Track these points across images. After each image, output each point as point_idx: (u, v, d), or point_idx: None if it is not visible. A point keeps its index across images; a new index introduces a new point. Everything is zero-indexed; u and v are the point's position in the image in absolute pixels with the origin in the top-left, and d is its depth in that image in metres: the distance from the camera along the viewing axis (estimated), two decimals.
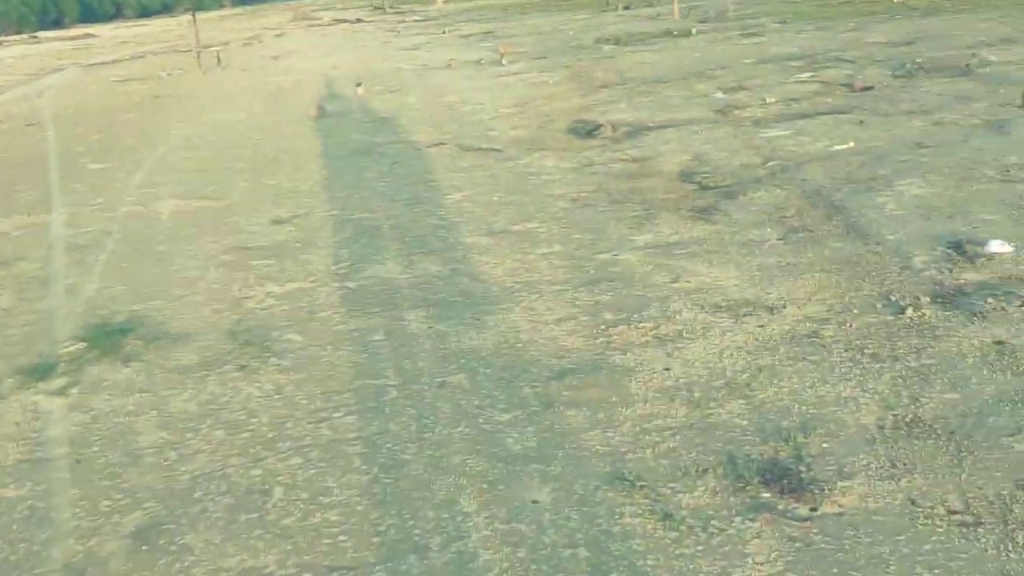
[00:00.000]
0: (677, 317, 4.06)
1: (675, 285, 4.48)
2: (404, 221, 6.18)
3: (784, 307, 4.07)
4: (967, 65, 10.18)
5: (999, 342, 3.49)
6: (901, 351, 3.50)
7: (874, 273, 4.37)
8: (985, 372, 3.26)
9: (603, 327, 4.00)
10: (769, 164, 6.91)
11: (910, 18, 15.86)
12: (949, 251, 4.56)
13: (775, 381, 3.34)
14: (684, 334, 3.87)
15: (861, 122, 7.96)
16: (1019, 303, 3.78)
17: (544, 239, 5.49)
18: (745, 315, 4.01)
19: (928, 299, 3.98)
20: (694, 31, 17.82)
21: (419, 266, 5.13)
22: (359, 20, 35.22)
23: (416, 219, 6.21)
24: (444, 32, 25.10)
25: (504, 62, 16.06)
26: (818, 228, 5.20)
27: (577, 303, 4.35)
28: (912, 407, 3.05)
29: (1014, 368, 3.26)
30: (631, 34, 18.41)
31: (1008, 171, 5.88)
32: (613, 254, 5.08)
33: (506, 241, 5.50)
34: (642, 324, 3.99)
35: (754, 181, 6.46)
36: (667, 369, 3.53)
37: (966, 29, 13.39)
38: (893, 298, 4.04)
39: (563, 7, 31.56)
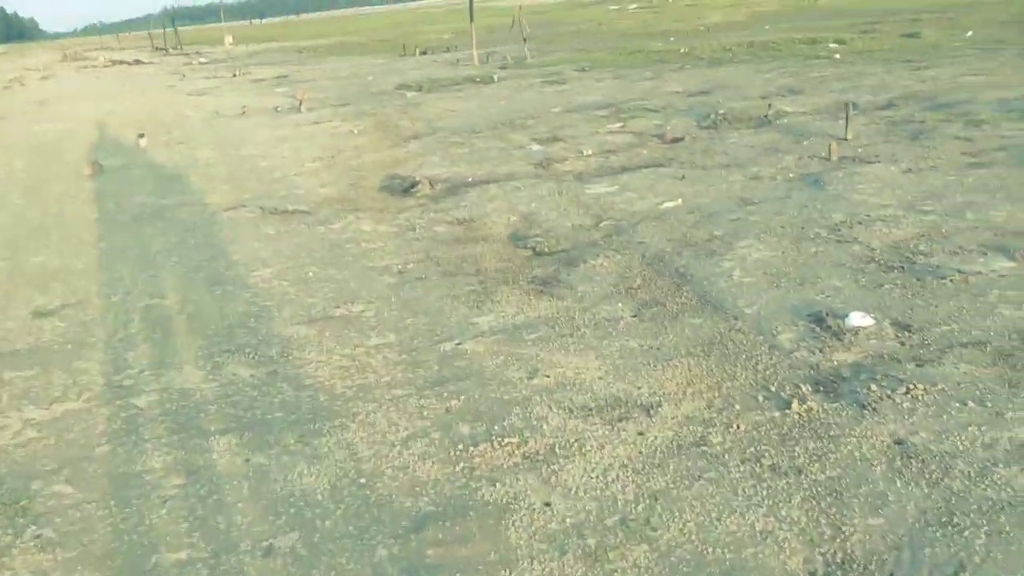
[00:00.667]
0: (545, 426, 3.50)
1: (534, 382, 3.92)
2: (204, 308, 5.28)
3: (660, 405, 3.61)
4: (766, 116, 10.48)
5: (899, 441, 3.17)
6: (802, 460, 3.11)
7: (744, 356, 4.02)
8: (899, 484, 2.91)
9: (462, 447, 3.36)
10: (602, 225, 6.58)
11: (699, 67, 16.50)
12: (812, 326, 4.30)
13: (677, 514, 2.83)
14: (557, 450, 3.30)
15: (683, 177, 7.85)
16: (902, 390, 3.51)
17: (374, 326, 4.80)
18: (620, 419, 3.51)
19: (809, 388, 3.65)
20: (496, 78, 17.73)
21: (226, 370, 4.28)
22: (138, 61, 32.83)
23: (218, 305, 5.32)
24: (235, 75, 23.75)
25: (303, 109, 15.20)
26: (670, 301, 4.83)
27: (425, 413, 3.69)
28: (838, 541, 2.62)
29: (926, 476, 2.94)
30: (433, 80, 18.06)
31: (838, 230, 5.83)
32: (456, 343, 4.46)
33: (330, 330, 4.75)
34: (507, 440, 3.39)
35: (591, 245, 6.08)
36: (548, 505, 2.94)
37: (753, 79, 14.02)
38: (772, 388, 3.68)
39: (359, 51, 30.91)
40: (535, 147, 10.08)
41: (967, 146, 7.95)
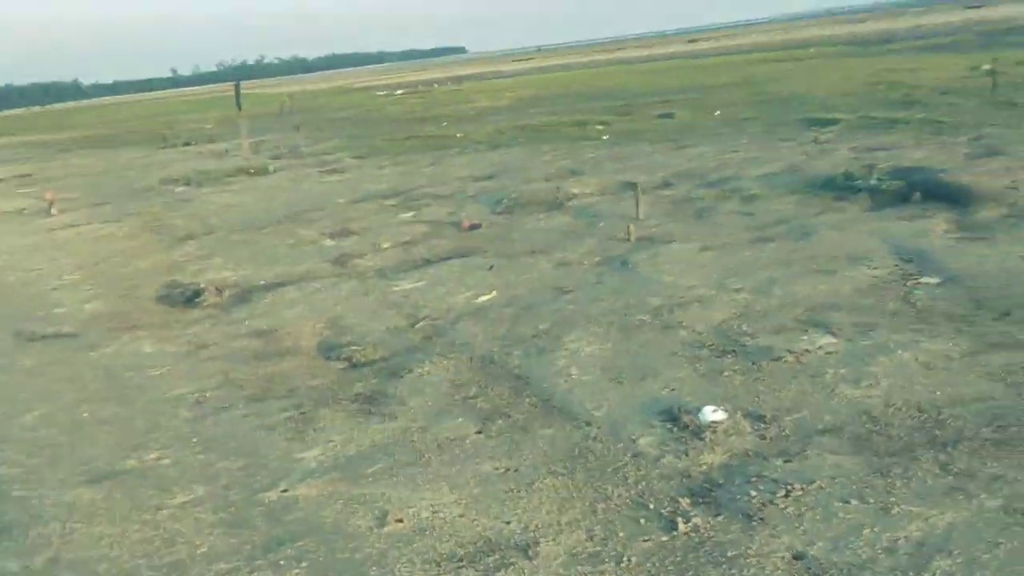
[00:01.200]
0: None
1: (386, 530, 3.39)
2: None
3: (537, 543, 3.20)
4: (556, 199, 10.59)
5: (798, 556, 2.96)
6: None
7: (610, 470, 3.72)
8: None
9: None
10: (419, 326, 6.16)
11: (478, 152, 16.69)
12: (668, 426, 4.09)
13: None
14: None
15: (491, 267, 7.62)
16: (782, 493, 3.34)
17: (176, 477, 4.05)
18: (498, 567, 3.06)
19: (687, 501, 3.39)
20: (271, 168, 17.00)
21: None
22: None
23: None
24: None
25: (54, 211, 13.69)
26: (514, 410, 4.48)
27: None
28: None
29: None
30: (202, 173, 17.01)
31: (660, 315, 5.77)
32: (282, 489, 3.83)
33: (120, 491, 3.95)
34: None
35: (411, 350, 5.63)
36: None
37: (533, 162, 14.30)
38: (651, 506, 3.39)
39: (112, 143, 28.89)
40: (328, 242, 9.54)
41: (749, 221, 8.34)
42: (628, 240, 8.09)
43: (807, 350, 4.81)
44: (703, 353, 4.97)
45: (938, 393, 4.07)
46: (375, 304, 6.84)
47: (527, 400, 4.58)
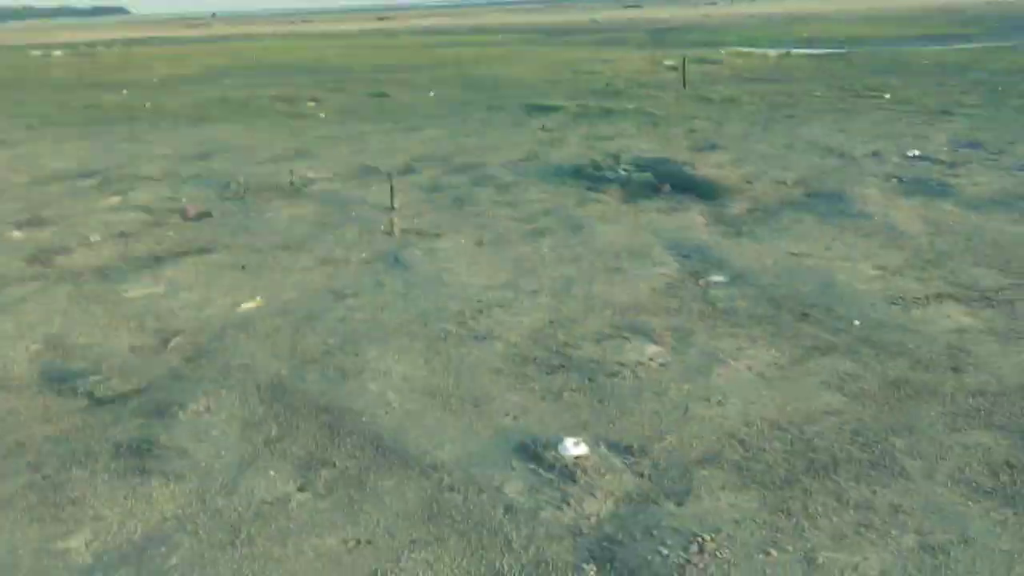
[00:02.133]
0: None
1: None
2: None
3: None
4: (292, 183, 9.61)
5: None
6: None
7: (486, 531, 3.12)
8: None
9: None
10: (174, 344, 5.07)
11: (181, 126, 14.94)
12: (530, 466, 3.57)
13: None
14: None
15: (244, 267, 6.59)
16: (694, 549, 2.97)
17: None
18: None
19: (594, 568, 2.90)
20: None
21: None
22: None
23: None
24: None
25: None
26: (338, 456, 3.71)
27: None
28: None
29: None
30: None
31: (465, 323, 5.23)
32: None
33: None
34: None
35: (175, 378, 4.58)
36: None
37: (252, 140, 13.04)
38: None
39: None
40: (15, 234, 7.81)
41: (513, 213, 8.04)
42: (392, 234, 7.42)
43: (639, 362, 4.52)
44: (531, 370, 4.51)
45: (789, 408, 3.95)
46: (105, 316, 5.57)
47: (349, 441, 3.83)
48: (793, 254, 6.27)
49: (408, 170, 10.36)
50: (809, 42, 29.16)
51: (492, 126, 13.65)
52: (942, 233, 6.62)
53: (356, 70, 25.31)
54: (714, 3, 69.10)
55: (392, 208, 8.28)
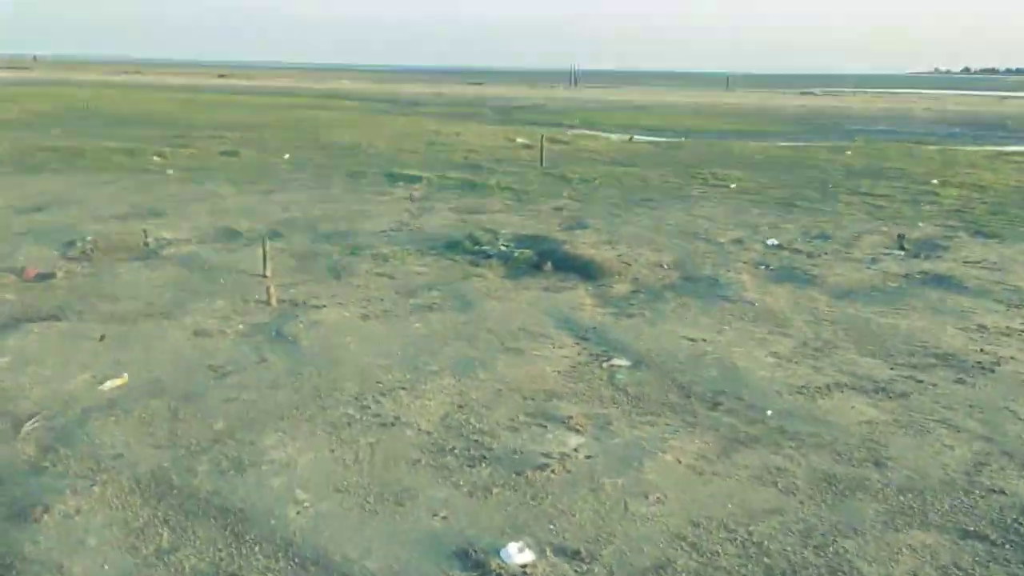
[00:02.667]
0: None
1: None
2: None
3: None
4: (147, 244, 8.88)
5: None
6: None
7: None
8: None
9: None
10: (28, 430, 4.39)
11: (4, 174, 13.65)
12: None
13: None
14: None
15: (102, 337, 5.90)
16: None
17: None
18: None
19: None
20: None
21: None
22: None
23: None
24: None
25: None
26: (251, 570, 3.23)
27: None
28: None
29: None
30: None
31: (366, 406, 4.84)
32: None
33: None
34: None
35: (31, 470, 3.94)
36: None
37: (94, 194, 12.10)
38: None
39: None
40: None
41: (395, 285, 7.71)
42: (268, 303, 6.91)
43: (564, 453, 4.29)
44: (451, 461, 4.18)
45: (730, 507, 3.82)
46: None
47: (259, 549, 3.35)
48: (689, 339, 6.28)
49: (274, 235, 9.82)
50: (647, 129, 30.61)
51: (356, 193, 13.28)
52: (820, 322, 6.85)
53: (200, 126, 24.28)
54: (555, 87, 71.90)
55: (264, 275, 7.75)
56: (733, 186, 15.36)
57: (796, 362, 5.83)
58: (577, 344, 6.16)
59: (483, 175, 15.90)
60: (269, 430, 4.44)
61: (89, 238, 8.77)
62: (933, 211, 12.70)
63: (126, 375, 5.16)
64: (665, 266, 8.75)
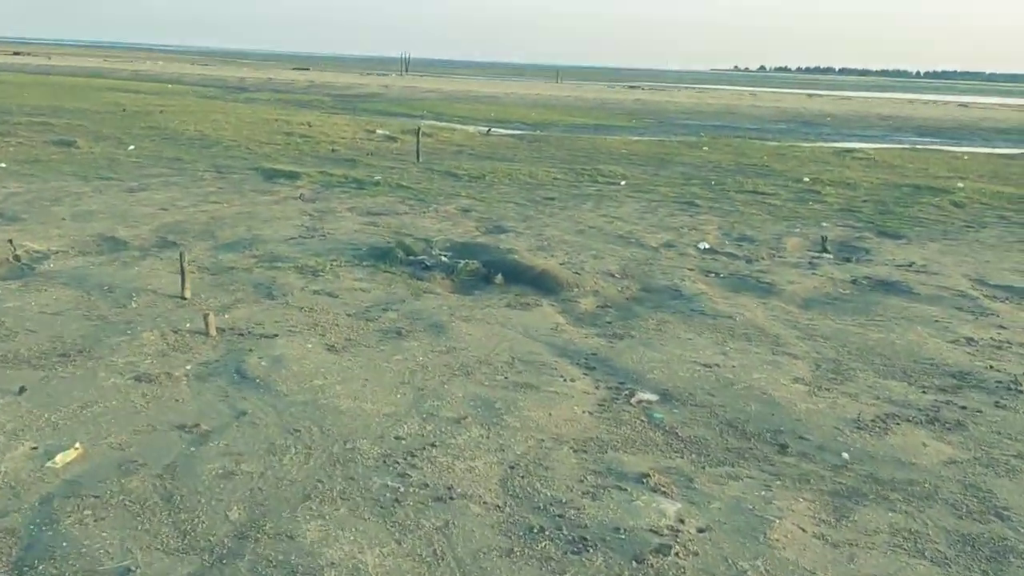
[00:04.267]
0: None
1: None
2: None
3: None
4: (18, 260, 7.44)
5: None
6: None
7: None
8: None
9: None
10: None
11: None
12: None
13: None
14: None
15: (22, 390, 4.67)
16: None
17: None
18: None
19: None
20: None
21: None
22: None
23: None
24: None
25: None
26: None
27: None
28: None
29: None
30: None
31: (403, 474, 4.00)
32: None
33: None
34: None
35: None
36: None
37: None
38: None
39: None
40: None
41: (343, 305, 6.78)
42: (207, 333, 5.81)
43: (672, 527, 3.65)
44: (550, 548, 3.44)
45: None
46: None
47: None
48: (701, 364, 5.77)
49: (164, 243, 8.53)
50: (497, 122, 30.10)
51: (237, 192, 11.96)
52: (812, 338, 6.54)
53: (12, 111, 21.54)
54: (387, 74, 70.30)
55: (183, 297, 6.59)
56: (624, 183, 15.14)
57: (826, 389, 5.45)
58: (586, 375, 5.52)
59: (363, 171, 14.85)
60: (302, 517, 3.52)
61: None
62: (824, 210, 12.95)
63: (78, 444, 4.03)
64: (616, 275, 8.24)
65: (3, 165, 12.99)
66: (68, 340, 5.54)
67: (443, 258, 8.17)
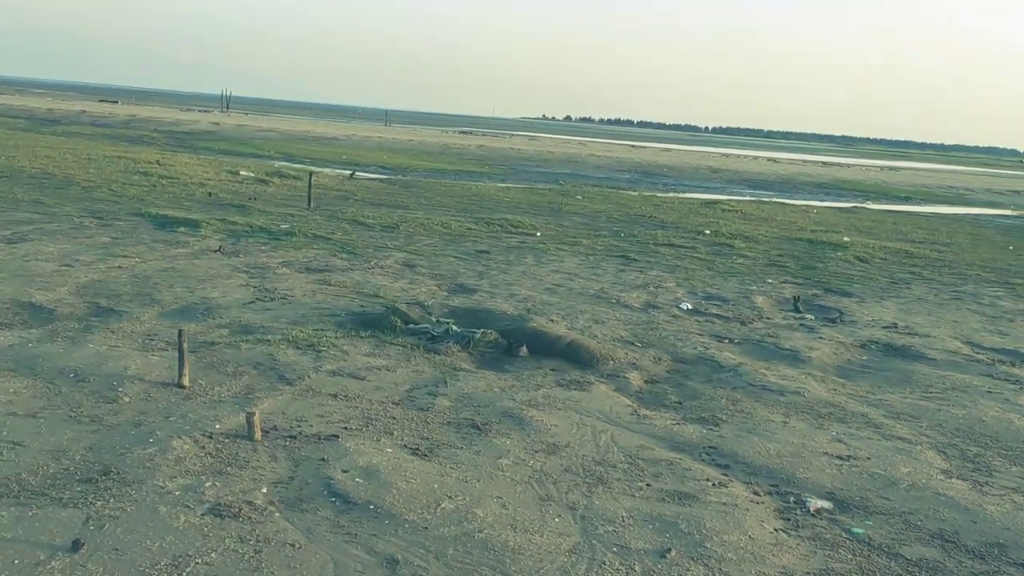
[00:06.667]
0: None
1: None
2: None
3: None
4: None
5: None
6: None
7: None
8: None
9: None
10: None
11: None
12: None
13: None
14: None
15: (77, 544, 3.31)
16: None
17: None
18: None
19: None
20: None
21: None
22: None
23: None
24: None
25: None
26: None
27: None
28: None
29: None
30: None
31: None
32: None
33: None
34: None
35: None
36: None
37: None
38: None
39: None
40: None
41: (376, 390, 5.67)
42: (251, 437, 4.56)
43: None
44: None
45: None
46: None
47: None
48: (836, 457, 5.15)
49: (100, 310, 7.00)
50: (350, 164, 28.75)
51: (139, 244, 10.29)
52: (900, 417, 6.08)
53: None
54: (209, 111, 66.70)
55: (182, 386, 5.25)
56: (539, 234, 14.54)
57: (985, 483, 4.96)
58: (728, 477, 4.77)
59: (261, 218, 13.38)
60: None
61: None
62: (754, 265, 12.89)
63: None
64: (635, 343, 7.55)
65: None
66: (76, 456, 4.14)
67: (452, 327, 7.14)
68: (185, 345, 5.36)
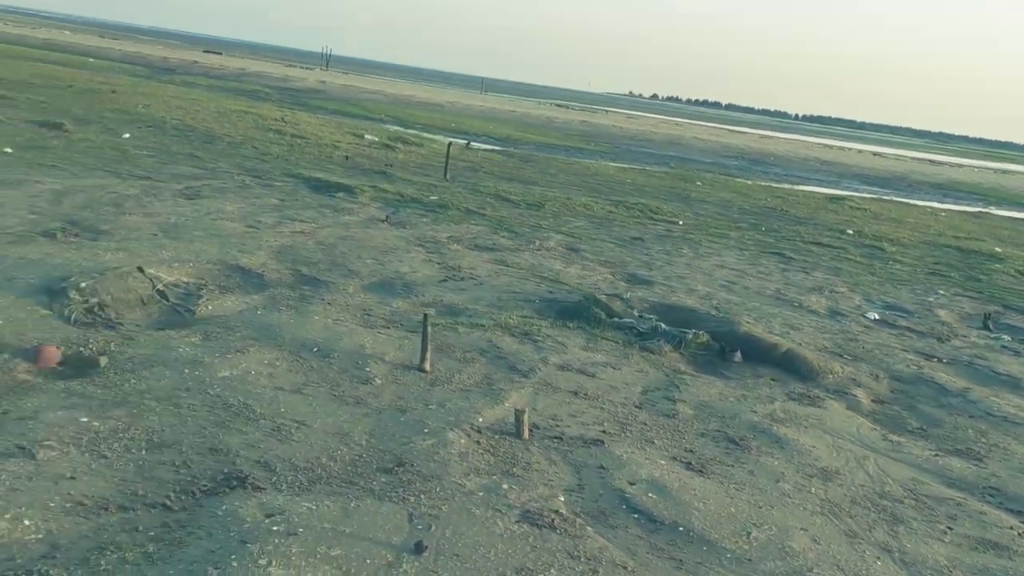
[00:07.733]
0: None
1: None
2: None
3: None
4: (162, 296, 5.74)
5: None
6: None
7: None
8: None
9: None
10: None
11: None
12: None
13: None
14: None
15: (420, 546, 3.16)
16: None
17: None
18: None
19: None
20: None
21: None
22: None
23: None
24: None
25: None
26: None
27: None
28: None
29: None
30: None
31: None
32: None
33: None
34: None
35: None
36: None
37: None
38: None
39: None
40: None
41: (609, 390, 5.42)
42: (520, 436, 4.38)
43: None
44: None
45: None
46: None
47: None
48: None
49: (304, 279, 6.92)
50: (460, 133, 28.61)
51: (305, 207, 10.26)
52: None
53: None
54: (311, 68, 67.40)
55: (424, 370, 5.09)
56: (680, 223, 14.14)
57: None
58: (996, 523, 4.39)
59: (409, 188, 13.27)
60: None
61: (84, 285, 5.41)
62: (915, 273, 12.27)
63: None
64: (843, 356, 7.16)
65: (8, 150, 10.80)
66: (362, 442, 4.00)
67: (661, 324, 6.86)
68: (429, 330, 5.20)
